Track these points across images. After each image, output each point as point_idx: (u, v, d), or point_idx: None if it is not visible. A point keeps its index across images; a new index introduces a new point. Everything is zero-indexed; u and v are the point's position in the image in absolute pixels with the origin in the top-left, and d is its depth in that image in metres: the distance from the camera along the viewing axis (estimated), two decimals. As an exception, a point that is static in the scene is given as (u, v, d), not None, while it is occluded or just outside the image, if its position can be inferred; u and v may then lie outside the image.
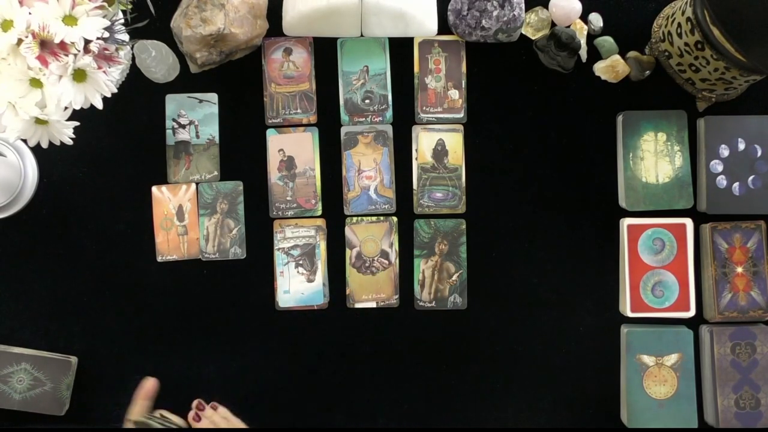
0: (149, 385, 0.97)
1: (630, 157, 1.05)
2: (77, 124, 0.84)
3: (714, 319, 1.05)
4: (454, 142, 1.07)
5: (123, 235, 1.06)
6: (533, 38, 1.07)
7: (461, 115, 1.08)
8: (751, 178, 1.04)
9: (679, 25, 0.98)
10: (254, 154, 1.07)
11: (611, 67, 1.06)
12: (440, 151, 1.07)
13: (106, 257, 1.06)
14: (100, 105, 0.85)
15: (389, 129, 1.08)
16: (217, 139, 1.07)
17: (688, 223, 1.04)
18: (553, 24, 1.07)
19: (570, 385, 1.06)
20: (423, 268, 1.07)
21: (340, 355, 1.07)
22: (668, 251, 1.04)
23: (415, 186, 1.07)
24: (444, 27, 1.08)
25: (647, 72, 1.06)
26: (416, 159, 1.07)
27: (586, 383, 1.06)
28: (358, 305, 1.07)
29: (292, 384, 1.06)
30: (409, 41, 1.08)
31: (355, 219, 1.07)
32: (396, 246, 1.07)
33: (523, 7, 1.04)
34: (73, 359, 1.04)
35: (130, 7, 0.90)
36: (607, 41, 1.07)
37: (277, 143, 1.07)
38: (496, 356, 1.07)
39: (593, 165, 1.07)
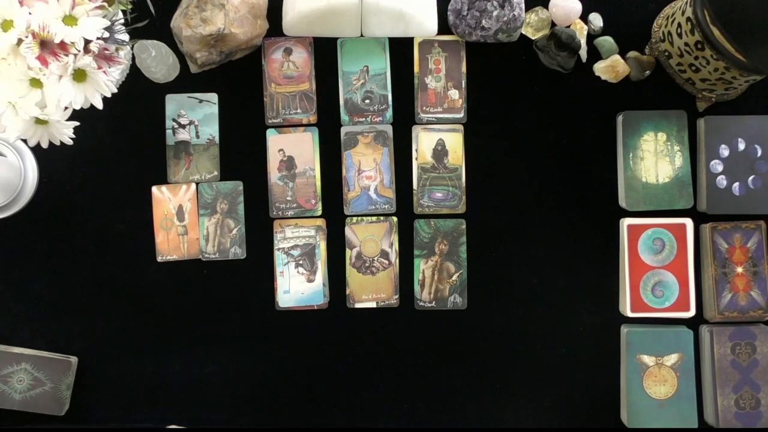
0: None
1: (630, 157, 1.05)
2: (77, 124, 0.84)
3: (714, 319, 1.05)
4: (454, 142, 1.07)
5: (123, 235, 1.06)
6: (533, 38, 1.07)
7: (461, 115, 1.08)
8: (751, 178, 1.04)
9: (679, 25, 0.98)
10: (254, 154, 1.07)
11: (611, 67, 1.06)
12: (440, 151, 1.07)
13: (106, 257, 1.06)
14: (100, 105, 0.84)
15: (389, 129, 1.08)
16: (217, 139, 1.07)
17: (688, 223, 1.04)
18: (553, 24, 1.07)
19: (570, 385, 1.06)
20: (423, 268, 1.07)
21: (340, 355, 1.07)
22: (668, 251, 1.04)
23: (415, 186, 1.07)
24: (444, 27, 1.08)
25: (647, 72, 1.06)
26: (416, 159, 1.07)
27: (586, 383, 1.06)
28: (358, 305, 1.07)
29: (292, 384, 1.06)
30: (409, 41, 1.08)
31: (355, 219, 1.07)
32: (396, 246, 1.07)
33: (523, 7, 1.04)
34: (73, 359, 1.04)
35: (130, 7, 0.90)
36: (607, 41, 1.07)
37: (277, 143, 1.07)
38: (496, 356, 1.07)
39: (593, 165, 1.07)
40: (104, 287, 1.06)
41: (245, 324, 1.06)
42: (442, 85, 1.08)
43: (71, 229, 1.06)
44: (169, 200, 1.07)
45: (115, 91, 0.86)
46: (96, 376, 1.06)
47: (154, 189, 1.07)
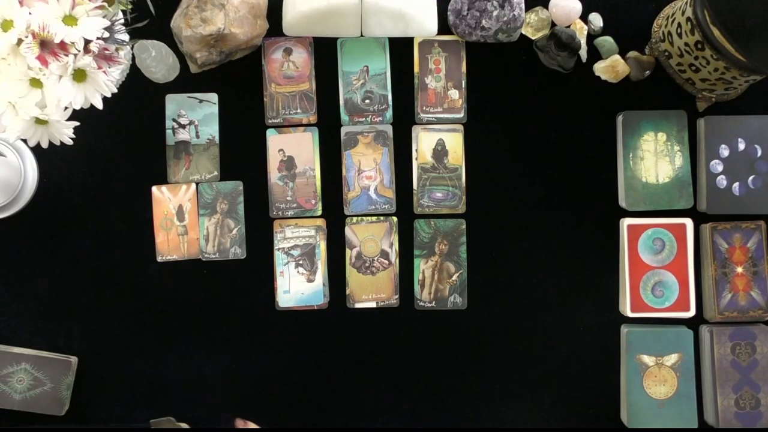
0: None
1: (630, 157, 1.05)
2: (77, 124, 0.84)
3: (714, 319, 1.05)
4: (454, 142, 1.07)
5: (123, 235, 1.06)
6: (533, 38, 1.07)
7: (461, 115, 1.08)
8: (751, 178, 1.04)
9: (679, 25, 0.98)
10: (254, 154, 1.07)
11: (611, 67, 1.06)
12: (440, 151, 1.07)
13: (106, 257, 1.06)
14: (100, 105, 0.85)
15: (389, 129, 1.08)
16: (217, 139, 1.07)
17: (688, 223, 1.04)
18: (553, 24, 1.07)
19: (570, 385, 1.06)
20: (423, 268, 1.07)
21: (340, 355, 1.07)
22: (668, 251, 1.04)
23: (415, 186, 1.07)
24: (444, 27, 1.08)
25: (647, 72, 1.06)
26: (416, 159, 1.07)
27: (586, 383, 1.06)
28: (358, 305, 1.07)
29: (292, 384, 1.06)
30: (409, 41, 1.08)
31: (355, 219, 1.07)
32: (396, 246, 1.07)
33: (523, 7, 1.04)
34: (73, 359, 1.04)
35: (130, 7, 0.90)
36: (607, 41, 1.07)
37: (277, 143, 1.07)
38: (496, 356, 1.07)
39: (593, 165, 1.07)
40: (104, 287, 1.06)
41: (245, 324, 1.06)
42: (442, 85, 1.08)
43: (71, 229, 1.06)
44: (169, 200, 1.07)
45: (115, 91, 0.86)
46: (96, 376, 1.06)
47: (154, 189, 1.07)
